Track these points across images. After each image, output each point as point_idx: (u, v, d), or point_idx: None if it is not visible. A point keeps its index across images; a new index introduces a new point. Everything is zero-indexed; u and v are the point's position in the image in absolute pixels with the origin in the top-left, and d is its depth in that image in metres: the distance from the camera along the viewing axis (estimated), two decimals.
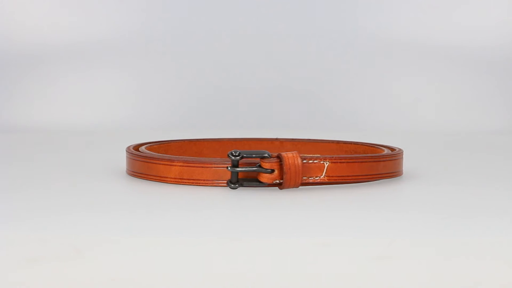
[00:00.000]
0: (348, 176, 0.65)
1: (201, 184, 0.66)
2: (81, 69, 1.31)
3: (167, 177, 0.67)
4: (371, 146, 0.78)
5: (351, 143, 0.80)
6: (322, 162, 0.64)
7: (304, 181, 0.64)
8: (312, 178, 0.65)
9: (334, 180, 0.65)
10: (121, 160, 0.81)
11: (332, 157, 0.65)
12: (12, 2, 1.32)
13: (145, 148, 0.75)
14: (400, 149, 0.73)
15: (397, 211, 0.59)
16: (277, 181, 0.64)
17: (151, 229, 0.54)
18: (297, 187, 0.64)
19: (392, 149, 0.74)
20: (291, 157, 0.63)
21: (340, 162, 0.65)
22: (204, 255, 0.50)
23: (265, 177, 0.64)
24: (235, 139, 0.83)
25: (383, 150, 0.75)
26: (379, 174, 0.68)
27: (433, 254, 0.50)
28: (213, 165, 0.65)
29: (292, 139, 0.83)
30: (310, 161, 0.64)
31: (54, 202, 0.62)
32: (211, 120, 1.29)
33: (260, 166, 0.64)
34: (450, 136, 1.13)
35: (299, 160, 0.63)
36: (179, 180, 0.66)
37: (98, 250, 0.50)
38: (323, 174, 0.65)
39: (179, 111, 1.29)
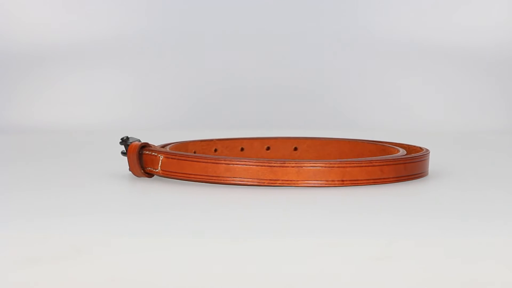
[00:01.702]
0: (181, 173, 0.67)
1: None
2: (81, 69, 1.30)
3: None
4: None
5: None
6: (158, 155, 0.68)
7: (149, 171, 0.69)
8: (155, 170, 0.68)
9: (170, 175, 0.67)
10: (122, 160, 0.81)
11: (167, 152, 0.67)
12: (12, 2, 1.32)
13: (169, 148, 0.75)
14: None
15: (401, 212, 0.59)
16: None
17: (152, 229, 0.54)
18: (142, 176, 0.69)
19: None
20: (132, 146, 0.69)
21: (172, 158, 0.67)
22: (205, 255, 0.50)
23: None
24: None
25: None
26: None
27: (436, 254, 0.50)
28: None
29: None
30: (153, 153, 0.68)
31: (54, 202, 0.62)
32: (211, 120, 1.29)
33: None
34: (450, 136, 1.13)
35: (136, 150, 0.68)
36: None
37: (98, 250, 0.50)
38: (159, 167, 0.68)
39: (180, 111, 1.29)
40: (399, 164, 0.68)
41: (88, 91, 1.29)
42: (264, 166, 0.65)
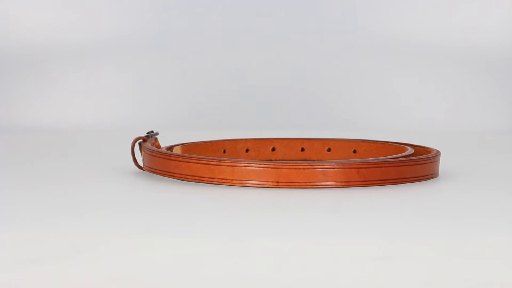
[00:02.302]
0: (157, 171, 0.70)
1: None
2: (81, 69, 1.30)
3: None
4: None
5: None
6: (143, 150, 0.72)
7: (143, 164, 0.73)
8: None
9: (147, 169, 0.71)
10: (122, 160, 0.81)
11: (147, 147, 0.70)
12: (12, 2, 1.32)
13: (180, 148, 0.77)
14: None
15: (404, 212, 0.59)
16: None
17: (152, 229, 0.54)
18: (139, 168, 0.73)
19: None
20: (133, 139, 0.73)
21: (147, 154, 0.70)
22: (205, 255, 0.50)
23: None
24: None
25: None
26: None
27: (437, 254, 0.50)
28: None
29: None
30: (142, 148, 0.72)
31: (54, 202, 0.62)
32: (212, 120, 1.29)
33: None
34: (450, 136, 1.13)
35: (132, 144, 0.72)
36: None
37: (98, 250, 0.50)
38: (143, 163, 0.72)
39: (180, 111, 1.29)
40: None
41: (88, 91, 1.29)
42: (203, 164, 0.66)
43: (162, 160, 0.69)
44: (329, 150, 0.81)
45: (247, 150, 0.81)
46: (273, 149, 0.81)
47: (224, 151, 0.80)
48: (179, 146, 0.77)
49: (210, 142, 0.80)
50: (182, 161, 0.67)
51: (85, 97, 1.29)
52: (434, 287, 0.49)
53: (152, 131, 0.74)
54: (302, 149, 0.82)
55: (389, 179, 0.67)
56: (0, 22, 1.31)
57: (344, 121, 1.29)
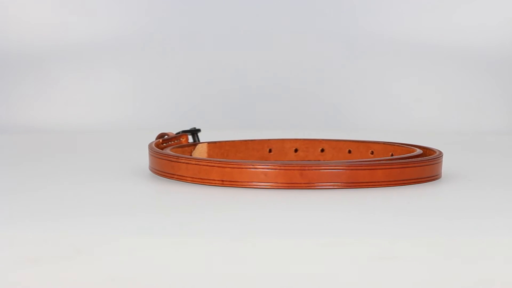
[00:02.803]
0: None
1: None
2: (81, 69, 1.30)
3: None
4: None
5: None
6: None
7: None
8: None
9: (153, 172, 0.72)
10: (122, 160, 0.81)
11: (155, 150, 0.72)
12: (12, 2, 1.32)
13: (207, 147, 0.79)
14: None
15: (405, 213, 0.59)
16: None
17: (152, 229, 0.54)
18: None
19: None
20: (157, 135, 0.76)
21: (154, 156, 0.71)
22: (205, 255, 0.50)
23: None
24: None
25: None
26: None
27: (437, 255, 0.50)
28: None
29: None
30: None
31: (54, 203, 0.62)
32: (212, 121, 1.29)
33: None
34: (450, 136, 1.13)
35: (153, 143, 0.74)
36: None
37: (98, 250, 0.50)
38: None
39: (180, 111, 1.29)
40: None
41: (88, 91, 1.29)
42: (165, 160, 0.69)
43: (150, 157, 0.72)
44: (372, 153, 0.82)
45: (296, 150, 0.81)
46: (322, 150, 0.82)
47: (270, 151, 0.80)
48: (205, 143, 0.77)
49: (252, 140, 0.80)
50: (156, 157, 0.70)
51: (85, 97, 1.29)
52: (435, 287, 0.49)
53: (194, 128, 0.77)
54: (349, 151, 0.82)
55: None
56: (0, 22, 1.31)
57: (344, 121, 1.29)
